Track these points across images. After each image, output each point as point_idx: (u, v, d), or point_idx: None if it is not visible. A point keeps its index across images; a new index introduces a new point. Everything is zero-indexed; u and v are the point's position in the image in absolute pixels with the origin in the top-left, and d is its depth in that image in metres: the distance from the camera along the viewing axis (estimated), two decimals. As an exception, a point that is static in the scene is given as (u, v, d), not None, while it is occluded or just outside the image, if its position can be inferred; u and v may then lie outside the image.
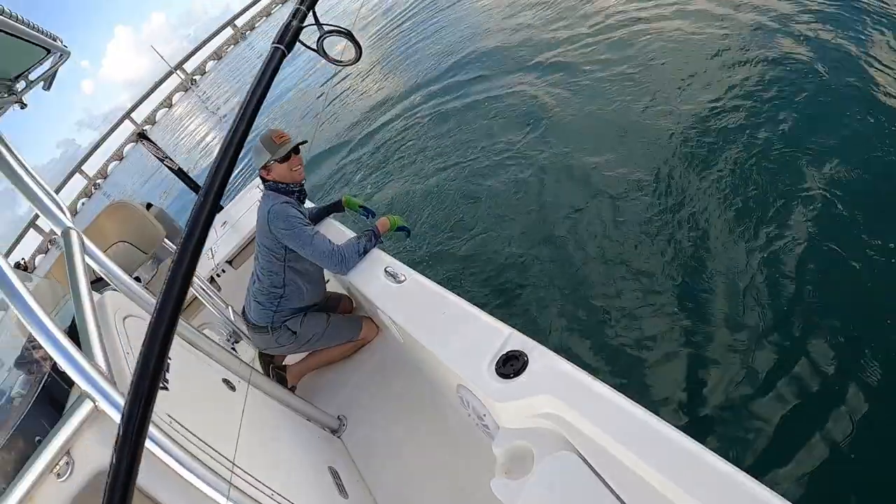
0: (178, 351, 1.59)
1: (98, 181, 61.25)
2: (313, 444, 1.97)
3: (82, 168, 64.30)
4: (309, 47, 1.01)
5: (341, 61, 1.06)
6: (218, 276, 3.50)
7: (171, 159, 5.24)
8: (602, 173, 3.90)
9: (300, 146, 2.48)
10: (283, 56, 0.89)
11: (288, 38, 0.92)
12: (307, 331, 2.55)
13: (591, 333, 2.83)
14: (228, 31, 74.03)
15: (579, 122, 4.69)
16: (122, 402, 1.01)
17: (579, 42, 5.89)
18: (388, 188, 5.87)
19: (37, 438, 1.10)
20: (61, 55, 1.94)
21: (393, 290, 1.92)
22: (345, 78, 11.65)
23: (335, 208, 2.92)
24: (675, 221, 3.19)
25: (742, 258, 2.76)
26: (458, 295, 1.71)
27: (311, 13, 0.96)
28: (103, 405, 1.03)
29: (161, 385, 1.29)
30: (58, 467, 1.04)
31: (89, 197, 57.55)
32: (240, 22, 72.66)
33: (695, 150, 3.59)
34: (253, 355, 2.85)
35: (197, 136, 23.00)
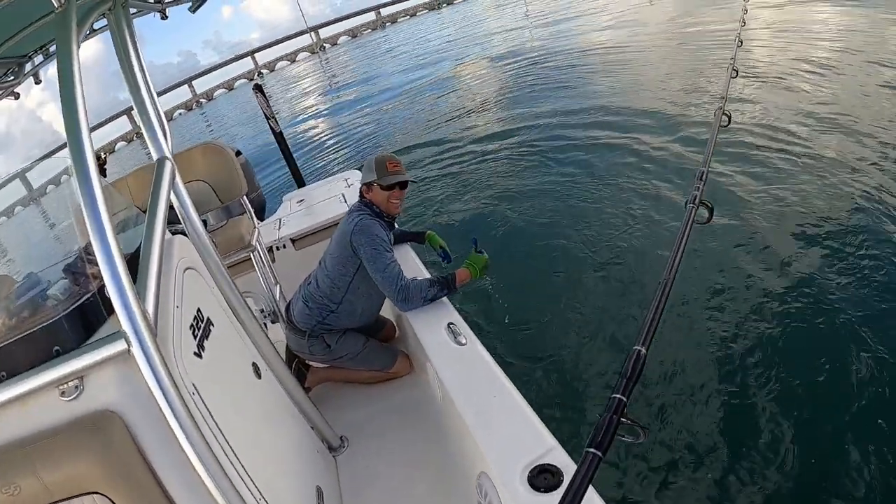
0: (223, 318, 1.52)
1: (202, 100, 64.77)
2: (310, 456, 1.88)
3: (193, 83, 68.31)
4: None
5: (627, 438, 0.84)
6: (277, 248, 3.46)
7: (275, 120, 5.30)
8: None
9: (407, 182, 2.46)
10: (600, 461, 0.76)
11: (606, 444, 0.76)
12: (341, 348, 2.47)
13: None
14: (371, 16, 78.00)
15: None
16: (155, 355, 0.98)
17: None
18: (470, 212, 5.66)
19: (55, 348, 1.06)
20: None
21: (451, 348, 1.87)
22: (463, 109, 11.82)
23: (416, 238, 2.89)
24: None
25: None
26: (513, 381, 1.64)
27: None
28: (136, 352, 0.97)
29: (195, 351, 1.26)
30: (65, 386, 1.00)
31: (189, 110, 60.80)
32: (385, 11, 76.45)
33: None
34: (281, 338, 2.77)
35: (302, 100, 23.40)
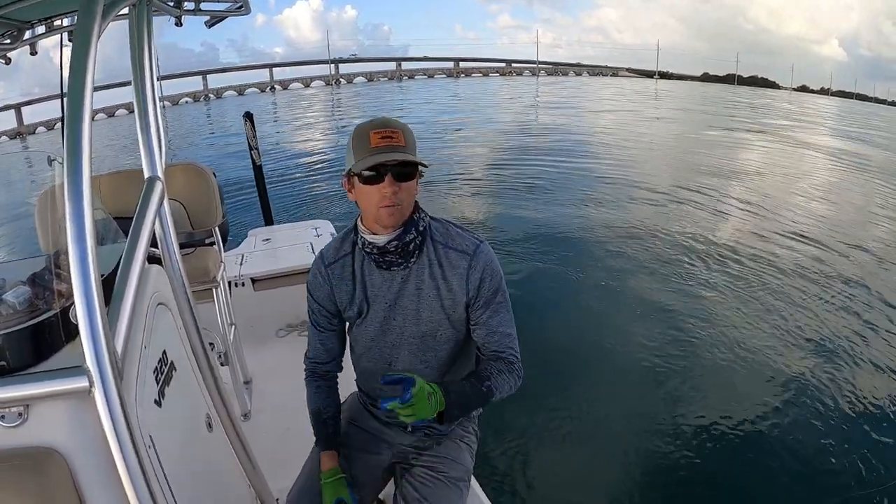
0: (185, 362, 1.37)
1: (210, 95, 64.93)
2: None
3: (207, 76, 68.83)
4: None
5: None
6: (236, 285, 3.21)
7: (258, 152, 5.15)
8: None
9: (413, 167, 1.20)
10: None
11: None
12: None
13: None
14: (391, 66, 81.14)
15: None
16: (117, 401, 0.87)
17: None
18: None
19: (1, 363, 0.92)
20: (241, 7, 1.91)
21: None
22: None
23: None
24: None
25: None
26: None
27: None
28: (98, 395, 0.85)
29: (156, 399, 1.10)
30: (6, 411, 0.87)
31: (195, 101, 60.73)
32: (406, 65, 79.77)
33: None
34: (228, 380, 2.50)
35: (301, 127, 22.80)
